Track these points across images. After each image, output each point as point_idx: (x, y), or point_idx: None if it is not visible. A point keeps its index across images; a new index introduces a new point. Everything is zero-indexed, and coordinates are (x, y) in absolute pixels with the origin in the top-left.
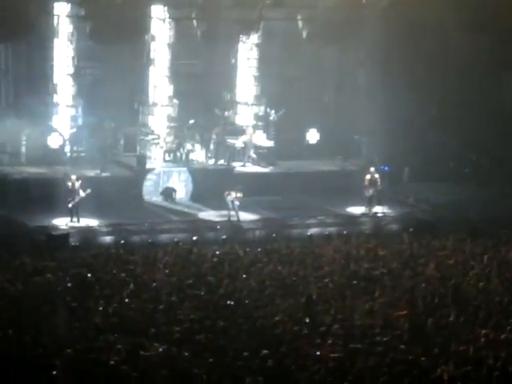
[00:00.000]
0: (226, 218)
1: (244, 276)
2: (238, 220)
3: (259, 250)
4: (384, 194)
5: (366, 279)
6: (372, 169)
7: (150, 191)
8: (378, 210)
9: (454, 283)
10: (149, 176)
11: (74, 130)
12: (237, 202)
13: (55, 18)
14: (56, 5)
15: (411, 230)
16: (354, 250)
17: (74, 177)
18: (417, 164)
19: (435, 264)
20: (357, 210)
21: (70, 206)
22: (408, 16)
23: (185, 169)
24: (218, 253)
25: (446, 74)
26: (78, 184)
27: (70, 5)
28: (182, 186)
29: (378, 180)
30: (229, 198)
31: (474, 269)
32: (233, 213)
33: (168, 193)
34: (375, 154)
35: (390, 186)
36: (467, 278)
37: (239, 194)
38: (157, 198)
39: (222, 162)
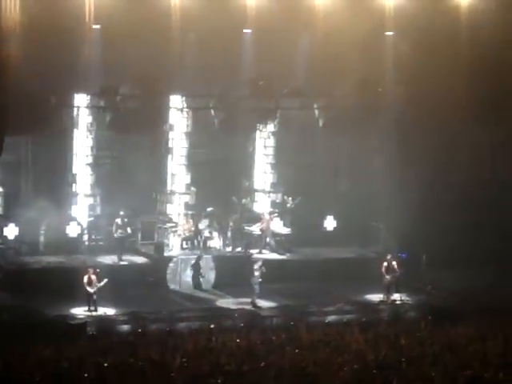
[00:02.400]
0: (243, 306)
1: (262, 364)
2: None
3: (277, 337)
4: (402, 281)
5: (386, 367)
6: (389, 256)
7: (169, 279)
8: (396, 297)
9: (473, 372)
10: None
11: (92, 219)
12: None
13: (75, 109)
14: (76, 96)
15: (430, 317)
16: (373, 337)
17: (90, 269)
18: (435, 250)
19: (454, 352)
20: (375, 297)
21: (87, 295)
22: (423, 104)
23: (209, 256)
24: (237, 341)
25: (462, 162)
26: (95, 274)
27: (89, 96)
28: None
29: (396, 267)
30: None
31: (492, 357)
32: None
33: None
34: (392, 240)
35: (407, 272)
36: (485, 366)
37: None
38: (175, 286)
39: (239, 249)
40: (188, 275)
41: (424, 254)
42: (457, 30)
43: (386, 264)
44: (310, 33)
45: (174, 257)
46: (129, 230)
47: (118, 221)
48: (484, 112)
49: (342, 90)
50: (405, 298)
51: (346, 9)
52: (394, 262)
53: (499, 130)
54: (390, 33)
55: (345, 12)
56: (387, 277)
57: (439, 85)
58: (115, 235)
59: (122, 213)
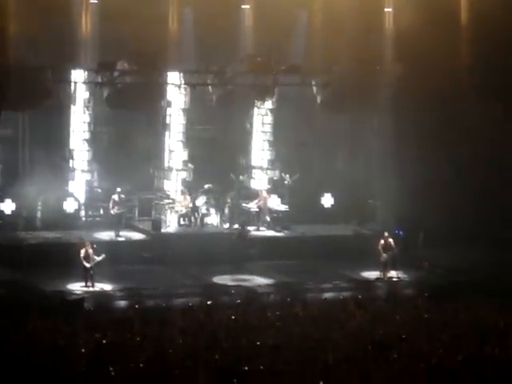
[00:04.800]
0: (239, 283)
1: (258, 342)
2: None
3: (274, 314)
4: (399, 258)
5: (382, 344)
6: (386, 233)
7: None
8: (393, 274)
9: (469, 349)
10: None
11: (89, 194)
12: None
13: (72, 85)
14: (73, 72)
15: (426, 294)
16: (369, 314)
17: (88, 243)
18: (432, 228)
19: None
20: (371, 274)
21: (84, 270)
22: (422, 82)
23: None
24: (232, 317)
25: (460, 140)
26: (92, 249)
27: (86, 72)
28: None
29: (393, 244)
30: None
31: (490, 335)
32: None
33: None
34: (389, 218)
35: (404, 250)
36: (482, 342)
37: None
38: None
39: (236, 226)
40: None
41: (421, 231)
42: (457, 5)
43: (382, 241)
44: (308, 9)
45: (171, 233)
46: (125, 206)
47: (115, 197)
48: (485, 88)
49: (341, 67)
50: (402, 275)
51: None
52: (391, 240)
53: (500, 106)
54: (389, 9)
55: None
56: (384, 254)
57: (438, 62)
58: (112, 212)
59: (118, 189)
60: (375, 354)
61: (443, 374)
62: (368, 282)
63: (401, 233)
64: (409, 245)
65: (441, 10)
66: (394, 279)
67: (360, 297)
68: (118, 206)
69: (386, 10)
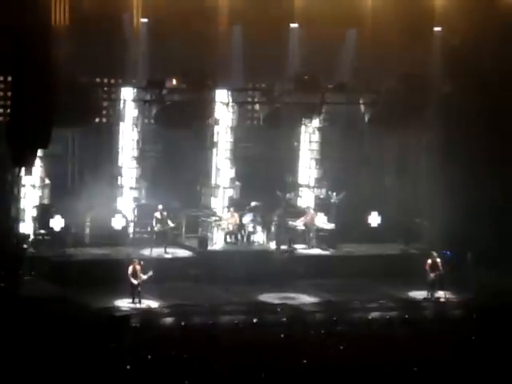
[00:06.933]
0: (285, 301)
1: (305, 361)
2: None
3: (319, 332)
4: (446, 278)
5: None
6: (434, 253)
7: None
8: (441, 295)
9: None
10: None
11: (137, 212)
12: None
13: (121, 102)
14: (122, 90)
15: (474, 316)
16: (416, 335)
17: (135, 260)
18: (480, 248)
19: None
20: (419, 294)
21: (132, 287)
22: (472, 100)
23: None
24: (281, 336)
25: (508, 161)
26: (139, 266)
27: (135, 90)
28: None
29: (440, 264)
30: None
31: None
32: None
33: None
34: (437, 237)
35: (452, 271)
36: None
37: None
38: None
39: (284, 247)
40: (231, 269)
41: (470, 251)
42: (507, 20)
43: (430, 261)
44: (356, 27)
45: (218, 250)
46: (170, 223)
47: (157, 214)
48: None
49: (389, 85)
50: (449, 295)
51: (393, 3)
52: (439, 260)
53: None
54: (439, 28)
55: (392, 6)
56: (431, 274)
57: (488, 78)
58: (155, 229)
59: (160, 207)
60: (421, 374)
61: None
62: (415, 302)
63: (448, 253)
64: (457, 265)
65: (490, 27)
66: (442, 299)
67: (406, 317)
68: (160, 223)
69: (435, 28)
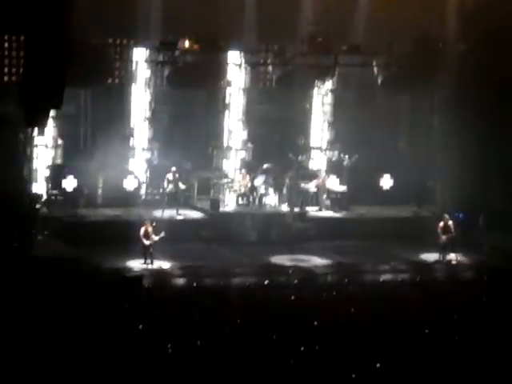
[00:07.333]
0: (297, 263)
1: (316, 323)
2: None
3: (332, 294)
4: (458, 241)
5: (440, 326)
6: (446, 215)
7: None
8: (452, 257)
9: None
10: None
11: (149, 173)
12: None
13: (133, 63)
14: (135, 50)
15: (485, 278)
16: (428, 296)
17: (147, 221)
18: (493, 211)
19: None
20: (430, 256)
21: (144, 248)
22: (485, 60)
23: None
24: (292, 298)
25: None
26: (151, 227)
27: (147, 50)
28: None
29: (452, 227)
30: None
31: None
32: None
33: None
34: (449, 200)
35: (464, 233)
36: None
37: None
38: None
39: (296, 208)
40: (243, 231)
41: (482, 214)
42: None
43: (442, 224)
44: None
45: (230, 212)
46: (181, 185)
47: (169, 176)
48: None
49: (402, 47)
50: (461, 258)
51: None
52: (451, 222)
53: None
54: None
55: None
56: (443, 237)
57: (502, 41)
58: (166, 190)
59: (173, 168)
60: (433, 335)
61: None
62: (427, 264)
63: (460, 215)
64: (468, 227)
65: None
66: (453, 262)
67: (418, 279)
68: (172, 184)
69: None
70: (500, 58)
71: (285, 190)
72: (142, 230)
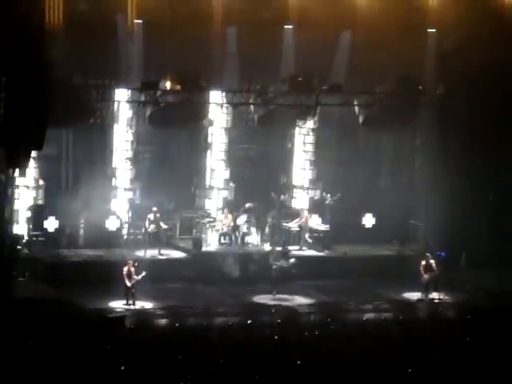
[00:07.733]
0: (280, 302)
1: (299, 362)
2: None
3: (315, 333)
4: (441, 279)
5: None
6: (428, 254)
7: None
8: (435, 296)
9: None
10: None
11: (131, 213)
12: None
13: (115, 103)
14: (116, 91)
15: (468, 317)
16: (411, 335)
17: (130, 261)
18: (475, 249)
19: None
20: (413, 295)
21: (126, 289)
22: (465, 103)
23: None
24: (275, 337)
25: (507, 160)
26: (134, 267)
27: (129, 91)
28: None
29: (434, 266)
30: None
31: None
32: None
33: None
34: (431, 239)
35: (446, 272)
36: None
37: None
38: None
39: (278, 248)
40: (226, 270)
41: (464, 252)
42: (501, 27)
43: (424, 262)
44: (351, 29)
45: (212, 252)
46: (163, 224)
47: (151, 216)
48: None
49: (383, 87)
50: (443, 296)
51: (387, 5)
52: (433, 261)
53: None
54: (433, 30)
55: (386, 8)
56: (425, 275)
57: (481, 82)
58: (148, 230)
59: (154, 208)
60: (417, 376)
61: None
62: (409, 303)
63: (443, 254)
64: (451, 266)
65: (484, 28)
66: (436, 301)
67: (401, 318)
68: (154, 224)
69: (429, 30)
70: (479, 99)
71: (267, 229)
72: (125, 269)
